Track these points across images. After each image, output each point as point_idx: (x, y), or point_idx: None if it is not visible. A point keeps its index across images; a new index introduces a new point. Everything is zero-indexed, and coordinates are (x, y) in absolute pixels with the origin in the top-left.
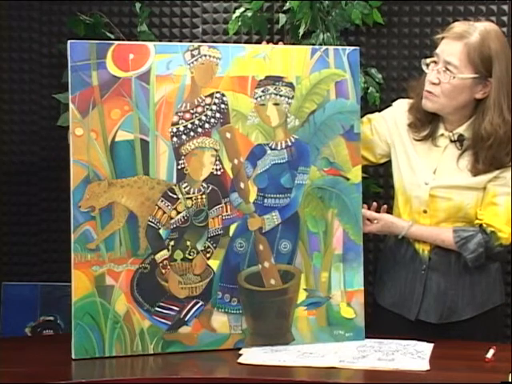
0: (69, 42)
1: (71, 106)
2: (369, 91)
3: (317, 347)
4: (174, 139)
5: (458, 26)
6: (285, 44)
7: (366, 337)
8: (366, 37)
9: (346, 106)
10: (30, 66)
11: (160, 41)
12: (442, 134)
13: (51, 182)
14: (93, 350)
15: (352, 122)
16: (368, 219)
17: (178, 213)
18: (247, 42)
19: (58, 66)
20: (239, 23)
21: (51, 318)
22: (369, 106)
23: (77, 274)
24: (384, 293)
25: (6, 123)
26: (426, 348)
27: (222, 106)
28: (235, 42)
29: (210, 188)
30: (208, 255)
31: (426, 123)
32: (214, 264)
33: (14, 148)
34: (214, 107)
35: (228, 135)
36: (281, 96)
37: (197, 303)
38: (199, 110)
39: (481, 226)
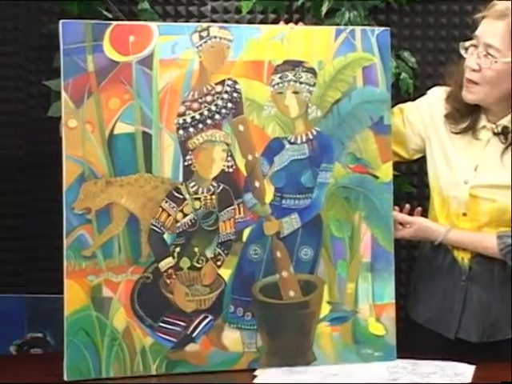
0: (61, 21)
1: (63, 94)
2: (401, 77)
3: (342, 368)
4: (180, 132)
5: (501, 3)
6: (305, 24)
7: (398, 356)
8: (398, 15)
9: (374, 94)
10: (15, 49)
11: (164, 20)
12: (484, 126)
13: (40, 181)
14: (88, 370)
15: (381, 112)
16: (400, 223)
17: (185, 215)
18: (262, 21)
19: (49, 48)
20: (253, 0)
21: (40, 335)
22: (401, 95)
23: (70, 285)
24: (418, 307)
25: None
26: (467, 370)
27: (235, 94)
28: (249, 22)
29: (221, 187)
30: (218, 263)
31: (465, 114)
32: (226, 273)
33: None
34: (225, 96)
35: (241, 128)
36: (301, 83)
37: (206, 318)
38: (208, 98)
39: None
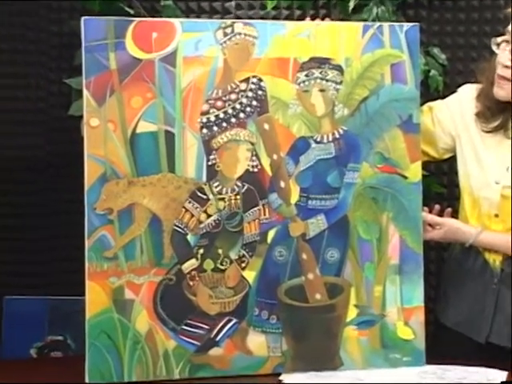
0: (82, 18)
1: (85, 92)
2: (430, 74)
3: (369, 373)
4: (204, 131)
5: None
6: (332, 20)
7: (427, 362)
8: (428, 10)
9: (403, 92)
10: (36, 47)
11: (187, 17)
12: None
13: (61, 181)
14: (109, 374)
15: (410, 110)
16: (429, 224)
17: (209, 216)
18: (288, 18)
19: (70, 46)
20: None
21: (60, 338)
22: (430, 93)
23: (91, 287)
24: (448, 310)
25: (7, 112)
26: (499, 376)
27: (260, 92)
28: (274, 19)
29: (246, 187)
30: (243, 265)
31: (496, 112)
32: (250, 275)
33: (17, 141)
34: (249, 94)
35: (266, 126)
36: (327, 81)
37: (230, 321)
38: (233, 97)
39: None
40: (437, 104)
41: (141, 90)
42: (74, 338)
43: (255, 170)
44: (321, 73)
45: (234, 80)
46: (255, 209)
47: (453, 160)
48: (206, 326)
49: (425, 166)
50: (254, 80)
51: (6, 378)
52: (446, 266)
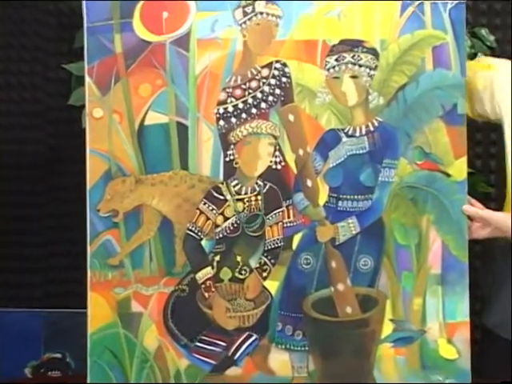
0: None
1: (87, 79)
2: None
3: None
4: (221, 123)
5: None
6: None
7: (473, 380)
8: None
9: (446, 78)
10: (32, 28)
11: None
12: None
13: (61, 179)
14: None
15: (455, 99)
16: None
17: (226, 219)
18: None
19: (70, 27)
20: None
21: (58, 356)
22: None
23: (94, 298)
24: (492, 311)
25: (1, 102)
26: None
27: (284, 79)
28: None
29: (268, 187)
30: (264, 274)
31: None
32: (272, 286)
33: (13, 134)
34: (272, 81)
35: (291, 117)
36: (360, 66)
37: (249, 337)
38: (253, 84)
39: None
40: (498, 65)
41: (150, 77)
42: (74, 355)
43: (278, 166)
44: (353, 57)
45: (255, 65)
46: (278, 211)
47: (501, 157)
48: (223, 343)
49: (469, 162)
50: (278, 65)
51: None
52: (494, 268)
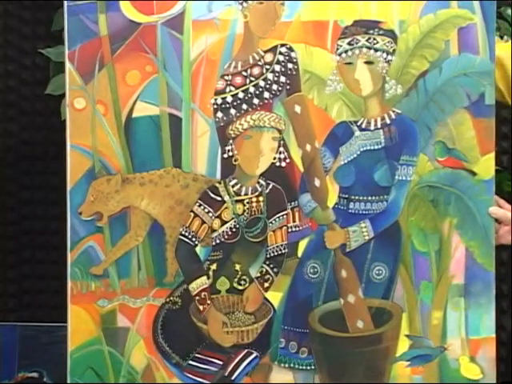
0: None
1: (68, 65)
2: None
3: None
4: (219, 115)
5: None
6: None
7: None
8: None
9: (473, 64)
10: (4, 8)
11: None
12: None
13: (37, 178)
14: None
15: (482, 88)
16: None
17: (224, 223)
18: None
19: (47, 7)
20: None
21: (34, 375)
22: None
23: (75, 311)
24: None
25: None
26: None
27: (290, 65)
28: None
29: (271, 187)
30: (266, 285)
31: None
32: (275, 298)
33: None
34: (277, 67)
35: (297, 109)
36: (376, 50)
37: (249, 354)
38: (256, 71)
39: None
40: None
41: (139, 63)
42: (53, 375)
43: (283, 164)
44: (368, 40)
45: (258, 49)
46: (282, 213)
47: None
48: (219, 362)
49: (496, 159)
50: (283, 49)
51: None
52: None
